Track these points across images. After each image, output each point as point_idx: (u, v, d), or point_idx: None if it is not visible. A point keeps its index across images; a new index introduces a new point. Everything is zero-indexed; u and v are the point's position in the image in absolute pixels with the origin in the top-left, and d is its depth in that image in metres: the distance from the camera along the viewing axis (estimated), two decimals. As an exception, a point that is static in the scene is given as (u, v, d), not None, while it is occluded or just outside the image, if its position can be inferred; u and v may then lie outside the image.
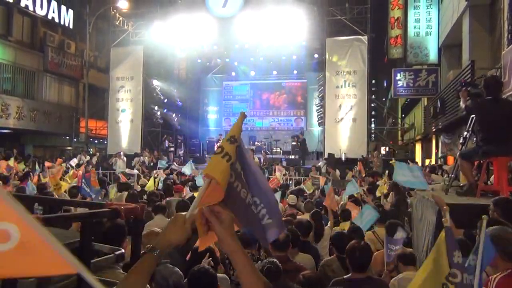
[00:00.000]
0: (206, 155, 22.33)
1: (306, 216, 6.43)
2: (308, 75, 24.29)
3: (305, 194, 10.35)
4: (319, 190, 10.45)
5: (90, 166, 16.28)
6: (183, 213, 1.43)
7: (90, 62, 22.93)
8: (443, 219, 1.70)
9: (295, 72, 24.45)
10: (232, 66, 24.80)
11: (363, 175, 12.95)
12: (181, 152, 22.49)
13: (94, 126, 23.19)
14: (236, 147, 1.47)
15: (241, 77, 25.85)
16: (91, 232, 1.85)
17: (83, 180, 8.14)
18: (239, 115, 1.57)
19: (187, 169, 13.36)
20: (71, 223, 3.72)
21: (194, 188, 9.74)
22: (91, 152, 20.55)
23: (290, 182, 14.24)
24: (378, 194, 9.44)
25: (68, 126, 22.84)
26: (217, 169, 1.40)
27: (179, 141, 23.73)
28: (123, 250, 2.19)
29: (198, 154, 22.85)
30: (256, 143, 22.71)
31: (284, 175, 15.39)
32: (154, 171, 14.06)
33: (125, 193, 8.33)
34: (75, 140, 23.09)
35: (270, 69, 24.41)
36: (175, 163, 18.07)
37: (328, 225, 6.51)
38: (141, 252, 1.45)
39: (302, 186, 11.43)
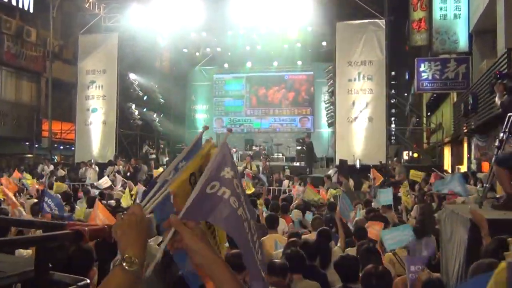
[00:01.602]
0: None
1: (314, 235, 6.40)
2: (315, 66, 24.34)
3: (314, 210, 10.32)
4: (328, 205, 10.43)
5: (54, 178, 16.23)
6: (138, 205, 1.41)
7: (54, 53, 22.92)
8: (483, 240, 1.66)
9: (299, 63, 24.49)
10: (225, 57, 24.83)
11: (377, 184, 12.96)
12: (165, 160, 22.43)
13: (59, 129, 23.15)
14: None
15: (235, 70, 25.87)
16: (48, 259, 1.82)
17: (45, 194, 8.09)
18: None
19: None
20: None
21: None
22: (55, 161, 20.51)
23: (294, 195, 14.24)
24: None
25: (28, 130, 22.79)
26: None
27: (162, 146, 23.70)
28: (88, 281, 2.16)
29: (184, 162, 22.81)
30: (254, 147, 22.71)
31: (288, 186, 15.46)
32: (127, 183, 13.91)
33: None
34: (36, 146, 23.04)
35: (269, 60, 24.47)
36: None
37: (338, 245, 6.48)
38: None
39: (308, 197, 11.39)
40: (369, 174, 14.14)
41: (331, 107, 20.06)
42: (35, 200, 9.18)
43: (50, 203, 7.88)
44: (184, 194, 1.47)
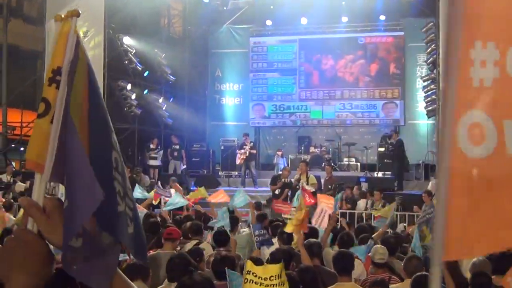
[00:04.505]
0: (220, 173, 22.38)
1: (407, 285, 6.41)
2: (407, 23, 24.07)
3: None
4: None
5: (11, 196, 16.53)
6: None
7: (11, 8, 23.36)
8: None
9: (382, 18, 24.27)
10: (267, 10, 24.85)
11: None
12: (183, 168, 22.20)
13: (18, 121, 23.47)
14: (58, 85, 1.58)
15: (283, 29, 25.80)
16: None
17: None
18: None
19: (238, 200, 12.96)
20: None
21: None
22: (13, 169, 20.84)
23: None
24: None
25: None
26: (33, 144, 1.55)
27: (174, 146, 23.58)
28: None
29: (205, 171, 23.00)
30: (312, 149, 22.64)
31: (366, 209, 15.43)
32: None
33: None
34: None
35: (336, 14, 24.29)
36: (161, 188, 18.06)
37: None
38: None
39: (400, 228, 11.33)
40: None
41: (433, 86, 19.84)
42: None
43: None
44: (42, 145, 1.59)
